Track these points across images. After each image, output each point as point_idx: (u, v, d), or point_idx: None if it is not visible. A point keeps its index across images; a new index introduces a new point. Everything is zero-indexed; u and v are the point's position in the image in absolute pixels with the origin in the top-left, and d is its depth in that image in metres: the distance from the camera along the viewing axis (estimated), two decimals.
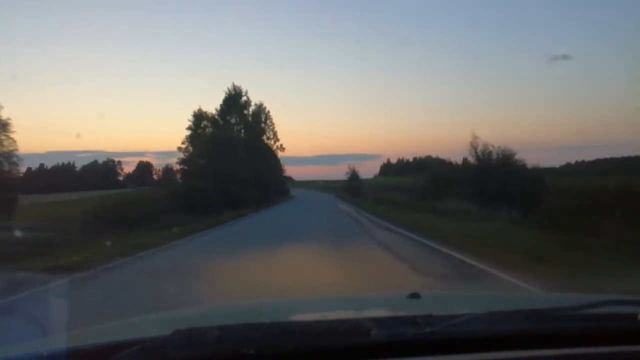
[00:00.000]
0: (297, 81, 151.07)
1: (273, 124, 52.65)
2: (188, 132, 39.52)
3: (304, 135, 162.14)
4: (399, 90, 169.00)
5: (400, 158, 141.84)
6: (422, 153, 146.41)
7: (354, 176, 67.54)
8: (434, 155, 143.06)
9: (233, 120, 45.56)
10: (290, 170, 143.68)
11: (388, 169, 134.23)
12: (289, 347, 1.10)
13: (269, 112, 51.52)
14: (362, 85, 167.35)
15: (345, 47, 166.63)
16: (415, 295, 1.73)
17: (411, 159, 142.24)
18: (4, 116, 18.44)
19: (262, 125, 50.35)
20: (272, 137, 52.66)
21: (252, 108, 48.28)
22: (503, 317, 1.37)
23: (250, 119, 47.71)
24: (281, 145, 54.20)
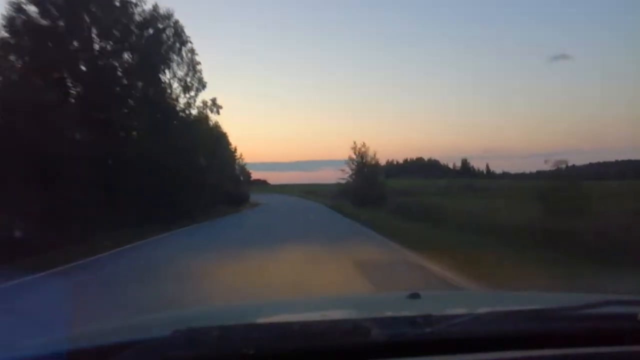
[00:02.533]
0: (275, 87, 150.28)
1: (192, 57, 25.53)
2: None
3: (281, 141, 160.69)
4: (379, 94, 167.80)
5: (390, 160, 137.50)
6: (410, 156, 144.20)
7: (362, 169, 35.37)
8: (425, 157, 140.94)
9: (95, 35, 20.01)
10: (267, 177, 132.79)
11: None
12: (289, 347, 1.10)
13: (182, 28, 24.59)
14: (341, 91, 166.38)
15: (322, 53, 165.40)
16: (415, 295, 1.73)
17: (401, 161, 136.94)
18: None
19: (171, 55, 24.16)
20: (194, 83, 25.87)
21: (142, 18, 22.00)
22: (503, 317, 1.37)
23: (135, 38, 21.43)
24: (214, 101, 27.48)
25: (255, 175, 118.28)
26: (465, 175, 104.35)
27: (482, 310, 1.48)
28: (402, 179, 76.14)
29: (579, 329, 1.28)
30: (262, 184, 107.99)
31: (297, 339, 1.13)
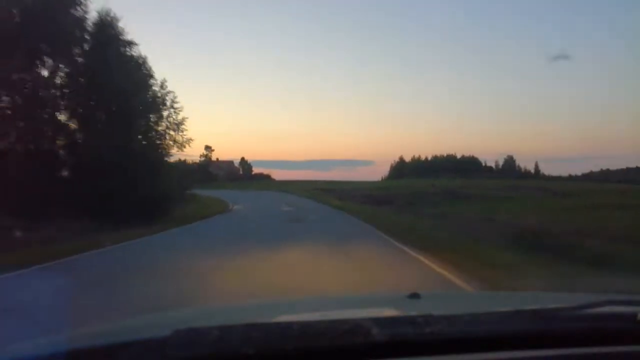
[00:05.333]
0: (290, 85, 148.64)
1: None
2: None
3: (294, 139, 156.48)
4: (392, 93, 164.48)
5: (416, 156, 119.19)
6: (433, 153, 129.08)
7: None
8: (437, 155, 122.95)
9: None
10: (279, 174, 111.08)
11: (403, 169, 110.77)
12: (289, 347, 1.10)
13: None
14: (354, 90, 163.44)
15: (334, 52, 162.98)
16: (415, 295, 1.73)
17: (429, 158, 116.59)
18: None
19: None
20: None
21: None
22: (503, 317, 1.37)
23: None
24: None
25: (264, 172, 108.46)
26: (509, 175, 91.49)
27: (482, 310, 1.48)
28: (436, 178, 63.67)
29: (579, 329, 1.28)
30: (264, 178, 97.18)
31: (297, 339, 1.13)
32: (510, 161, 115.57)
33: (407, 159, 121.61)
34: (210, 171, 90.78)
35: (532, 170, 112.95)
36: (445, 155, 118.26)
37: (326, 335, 1.14)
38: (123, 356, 1.07)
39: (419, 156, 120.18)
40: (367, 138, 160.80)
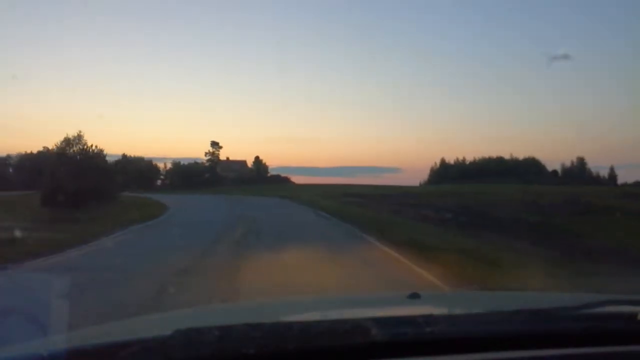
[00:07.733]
0: (312, 90, 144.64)
1: None
2: None
3: (317, 144, 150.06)
4: (419, 98, 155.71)
5: (460, 159, 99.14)
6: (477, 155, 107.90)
7: None
8: (485, 156, 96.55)
9: None
10: (301, 179, 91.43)
11: (446, 173, 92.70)
12: (289, 347, 1.10)
13: None
14: (378, 96, 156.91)
15: (354, 58, 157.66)
16: (415, 295, 1.73)
17: (476, 159, 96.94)
18: None
19: None
20: None
21: None
22: (503, 317, 1.37)
23: None
24: None
25: (282, 175, 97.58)
26: (580, 181, 72.75)
27: (482, 310, 1.48)
28: (521, 184, 52.08)
29: (579, 329, 1.28)
30: (281, 181, 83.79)
31: (297, 339, 1.13)
32: (580, 165, 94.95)
33: (442, 163, 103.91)
34: (217, 172, 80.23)
35: (606, 176, 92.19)
36: (495, 157, 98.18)
37: (326, 335, 1.14)
38: (123, 356, 1.07)
39: (464, 158, 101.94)
40: (393, 144, 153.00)
